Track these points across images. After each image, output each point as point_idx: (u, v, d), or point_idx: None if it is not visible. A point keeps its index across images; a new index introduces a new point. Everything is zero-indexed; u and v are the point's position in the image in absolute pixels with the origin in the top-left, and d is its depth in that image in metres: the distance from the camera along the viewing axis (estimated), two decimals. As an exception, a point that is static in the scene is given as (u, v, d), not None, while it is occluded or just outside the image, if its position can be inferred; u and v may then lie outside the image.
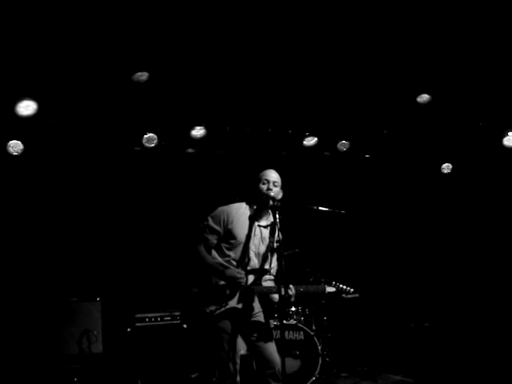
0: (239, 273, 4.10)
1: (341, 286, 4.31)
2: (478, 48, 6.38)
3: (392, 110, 7.69)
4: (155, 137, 7.08)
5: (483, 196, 8.49)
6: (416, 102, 7.31)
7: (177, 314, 6.67)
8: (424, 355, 7.61)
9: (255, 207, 4.30)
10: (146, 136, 7.05)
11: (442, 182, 8.75)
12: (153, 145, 7.09)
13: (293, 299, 4.15)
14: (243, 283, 4.11)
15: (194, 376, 6.64)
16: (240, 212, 4.28)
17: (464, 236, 8.57)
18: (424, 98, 7.28)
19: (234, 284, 4.10)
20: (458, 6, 5.65)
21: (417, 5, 5.63)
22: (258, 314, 4.27)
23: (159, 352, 6.50)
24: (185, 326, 6.67)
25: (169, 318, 6.63)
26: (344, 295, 4.32)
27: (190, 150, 7.62)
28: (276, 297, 4.20)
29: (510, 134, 7.77)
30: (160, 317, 6.60)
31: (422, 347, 7.68)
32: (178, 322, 6.66)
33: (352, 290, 4.31)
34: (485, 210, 8.51)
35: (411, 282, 8.53)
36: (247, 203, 4.35)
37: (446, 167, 8.68)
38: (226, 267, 4.14)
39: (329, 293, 4.29)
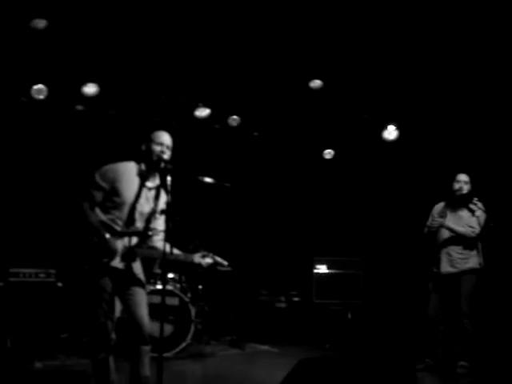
0: (116, 250, 4.11)
1: (216, 258, 4.40)
2: (367, 42, 6.69)
3: (285, 92, 7.91)
4: (45, 89, 6.83)
5: (362, 181, 9.06)
6: (309, 86, 7.59)
7: (52, 271, 6.52)
8: (293, 328, 8.04)
9: (143, 167, 4.30)
10: (35, 87, 6.78)
11: (324, 166, 9.20)
12: (42, 97, 6.84)
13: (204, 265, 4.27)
14: (117, 256, 4.12)
15: (63, 336, 6.54)
16: (128, 170, 4.24)
17: (338, 214, 9.13)
18: (316, 83, 7.56)
19: (109, 255, 4.11)
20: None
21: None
22: (138, 277, 4.31)
23: (31, 310, 6.32)
24: (59, 284, 6.55)
25: (43, 276, 6.47)
26: (219, 267, 4.43)
27: (79, 107, 7.41)
28: (196, 259, 4.27)
29: (389, 127, 8.26)
30: (35, 273, 6.44)
31: (291, 320, 8.09)
32: (53, 280, 6.52)
33: (226, 263, 4.42)
34: (362, 197, 9.09)
35: (284, 257, 8.92)
36: (136, 163, 4.31)
37: (328, 153, 9.13)
38: (107, 231, 4.10)
39: (206, 263, 4.36)
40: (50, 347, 6.29)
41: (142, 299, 4.23)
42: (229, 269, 4.56)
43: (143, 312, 4.18)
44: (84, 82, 7.10)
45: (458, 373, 5.91)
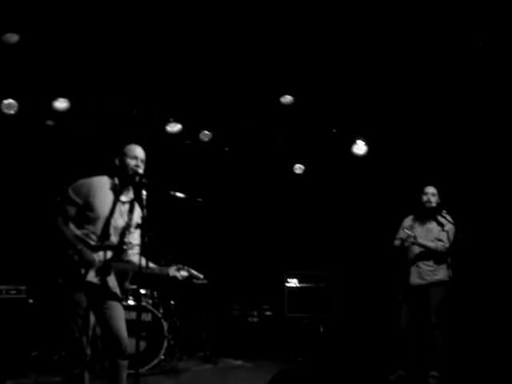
0: (94, 260, 4.09)
1: (192, 271, 4.45)
2: (336, 58, 6.81)
3: (256, 108, 7.97)
4: (15, 104, 6.78)
5: (332, 196, 9.16)
6: (279, 102, 7.67)
7: (23, 288, 6.42)
8: (265, 342, 8.04)
9: (117, 182, 4.30)
10: (5, 102, 6.73)
11: (294, 181, 9.29)
12: (12, 112, 6.78)
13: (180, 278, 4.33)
14: (94, 268, 4.09)
15: (34, 354, 6.44)
16: (101, 185, 4.24)
17: (308, 228, 9.21)
18: (287, 99, 7.65)
19: (86, 266, 4.09)
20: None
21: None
22: (114, 291, 4.29)
23: (1, 328, 6.19)
24: (30, 301, 6.45)
25: (14, 292, 6.36)
26: (195, 280, 4.47)
27: (50, 122, 7.36)
28: (172, 272, 4.32)
29: (358, 142, 8.39)
30: (5, 290, 6.32)
31: (263, 334, 8.10)
32: (24, 296, 6.41)
33: (202, 276, 4.46)
34: (332, 211, 9.19)
35: (255, 272, 8.94)
36: (109, 177, 4.31)
37: (299, 168, 9.23)
38: (85, 245, 4.09)
39: (182, 276, 4.41)
40: (21, 365, 6.19)
41: (119, 313, 4.20)
42: (204, 281, 4.56)
43: (121, 325, 4.14)
44: (55, 97, 7.07)
45: (430, 383, 5.98)
